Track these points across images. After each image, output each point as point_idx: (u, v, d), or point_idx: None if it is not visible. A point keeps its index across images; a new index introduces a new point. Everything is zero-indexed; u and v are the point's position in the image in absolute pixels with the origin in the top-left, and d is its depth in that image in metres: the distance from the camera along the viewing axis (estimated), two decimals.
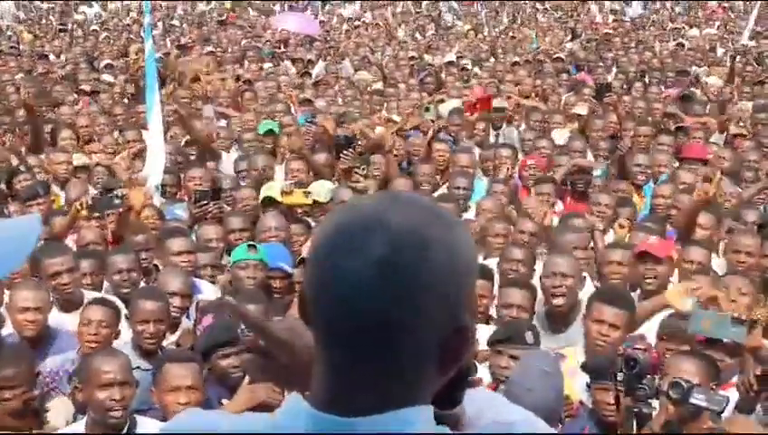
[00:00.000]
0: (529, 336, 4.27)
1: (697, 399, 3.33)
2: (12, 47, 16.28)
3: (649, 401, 3.46)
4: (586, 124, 9.49)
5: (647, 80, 12.76)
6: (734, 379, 4.14)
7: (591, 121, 9.47)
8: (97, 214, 6.22)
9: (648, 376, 3.45)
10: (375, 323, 1.22)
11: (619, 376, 3.51)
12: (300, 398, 1.30)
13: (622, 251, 5.48)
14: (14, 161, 8.01)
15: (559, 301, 4.93)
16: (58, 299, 5.07)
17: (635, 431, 3.53)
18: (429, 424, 1.27)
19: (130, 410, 3.86)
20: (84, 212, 6.17)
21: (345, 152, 7.69)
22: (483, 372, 4.44)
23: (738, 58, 14.03)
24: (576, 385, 4.14)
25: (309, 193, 6.85)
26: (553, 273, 4.96)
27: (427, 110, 9.89)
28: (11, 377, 3.85)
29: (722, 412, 3.39)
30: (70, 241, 6.08)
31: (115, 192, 6.22)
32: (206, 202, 6.63)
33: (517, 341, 4.26)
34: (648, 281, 5.21)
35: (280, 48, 16.23)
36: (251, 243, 5.62)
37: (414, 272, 1.22)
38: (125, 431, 3.77)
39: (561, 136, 9.21)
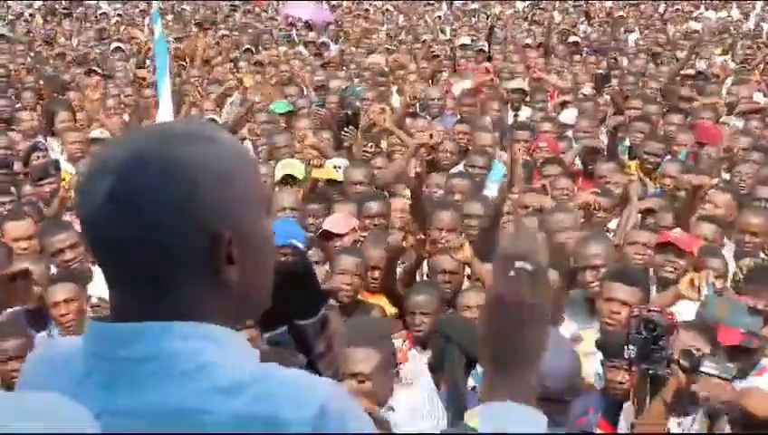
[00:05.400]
0: None
1: (708, 367, 3.33)
2: (29, 31, 16.40)
3: (664, 362, 3.44)
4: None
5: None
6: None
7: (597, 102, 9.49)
8: None
9: (664, 338, 3.44)
10: (115, 244, 1.29)
11: (626, 353, 3.49)
12: None
13: (649, 233, 5.38)
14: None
15: (597, 288, 4.72)
16: None
17: (649, 395, 3.51)
18: (183, 339, 1.28)
19: None
20: (72, 193, 6.20)
21: (347, 129, 7.67)
22: None
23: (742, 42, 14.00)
24: (588, 367, 4.11)
25: (339, 168, 6.82)
26: (588, 260, 4.86)
27: None
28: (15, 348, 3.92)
29: (731, 380, 3.38)
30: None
31: None
32: None
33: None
34: (667, 271, 5.03)
35: (290, 32, 16.24)
36: None
37: (140, 194, 1.28)
38: None
39: (570, 115, 9.21)
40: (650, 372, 3.48)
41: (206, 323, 1.30)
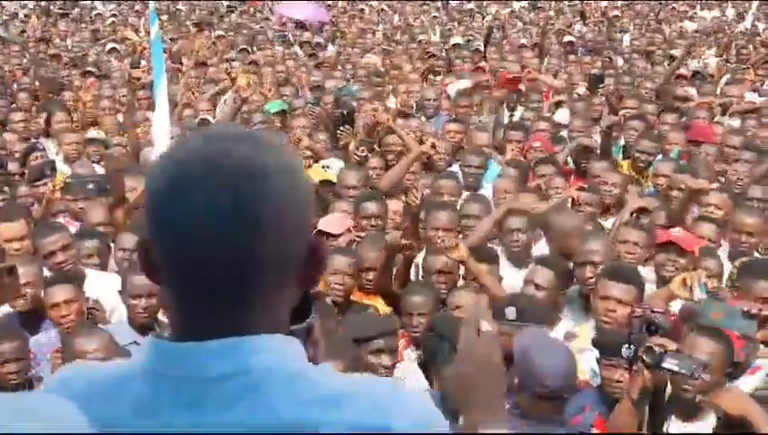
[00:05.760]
0: (510, 312, 4.24)
1: (670, 363, 3.32)
2: (23, 31, 16.38)
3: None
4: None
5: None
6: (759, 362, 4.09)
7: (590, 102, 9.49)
8: (68, 196, 6.26)
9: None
10: (226, 259, 1.24)
11: (624, 353, 3.50)
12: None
13: (638, 232, 5.39)
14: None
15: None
16: None
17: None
18: (272, 354, 1.26)
19: None
20: (58, 194, 6.20)
21: (342, 128, 7.65)
22: None
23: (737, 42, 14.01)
24: (583, 364, 4.13)
25: (328, 167, 6.81)
26: (587, 256, 4.87)
27: None
28: (11, 350, 3.93)
29: (693, 377, 3.37)
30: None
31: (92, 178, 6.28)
32: None
33: (497, 317, 4.27)
34: (668, 270, 5.02)
35: (285, 32, 16.21)
36: None
37: (262, 205, 1.24)
38: None
39: (564, 115, 9.23)
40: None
41: (275, 335, 1.28)
